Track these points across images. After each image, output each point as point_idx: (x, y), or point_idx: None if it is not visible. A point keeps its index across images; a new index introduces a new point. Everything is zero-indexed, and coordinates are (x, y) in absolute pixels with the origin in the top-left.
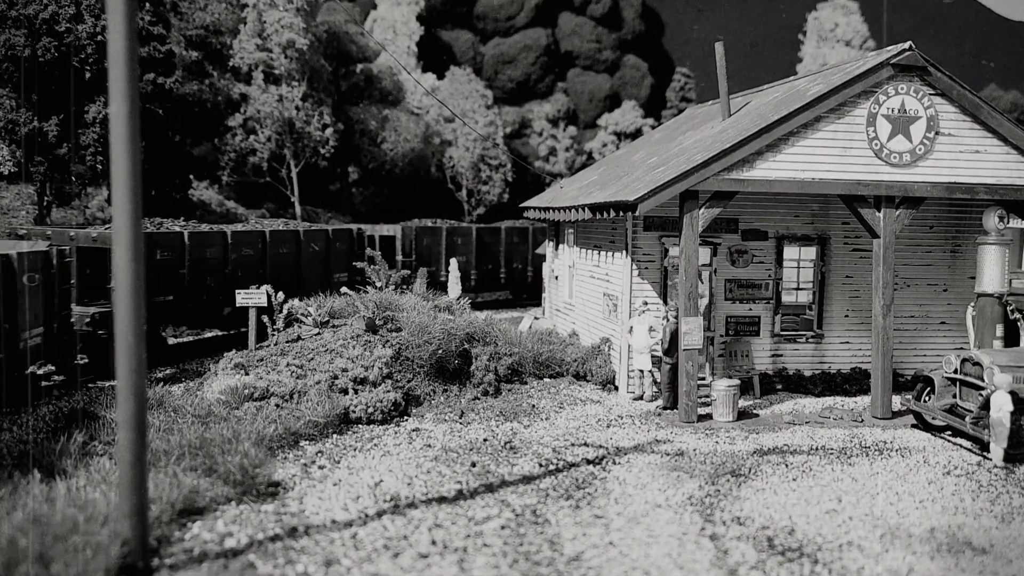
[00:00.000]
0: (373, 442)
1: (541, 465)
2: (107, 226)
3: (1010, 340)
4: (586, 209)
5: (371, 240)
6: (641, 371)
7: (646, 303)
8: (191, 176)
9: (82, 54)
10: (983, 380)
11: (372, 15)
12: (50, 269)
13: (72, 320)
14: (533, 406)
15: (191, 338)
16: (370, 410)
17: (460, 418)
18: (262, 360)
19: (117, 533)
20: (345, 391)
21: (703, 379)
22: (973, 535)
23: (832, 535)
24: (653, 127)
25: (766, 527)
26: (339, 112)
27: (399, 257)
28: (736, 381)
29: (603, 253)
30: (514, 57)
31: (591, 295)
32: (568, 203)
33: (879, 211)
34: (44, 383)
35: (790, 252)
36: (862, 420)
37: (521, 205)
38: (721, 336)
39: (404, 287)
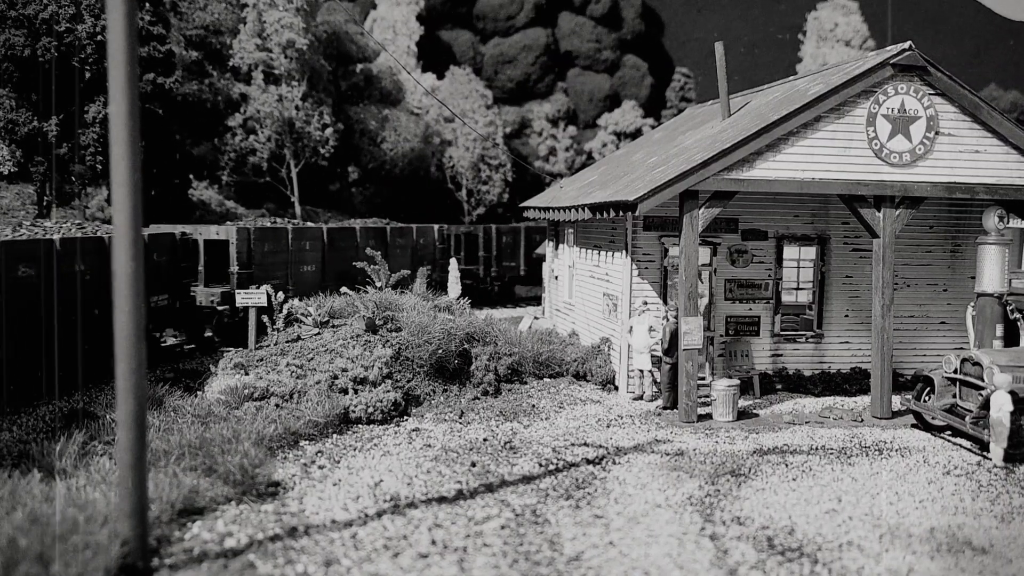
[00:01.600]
0: (373, 442)
1: (541, 465)
2: None
3: (1010, 340)
4: (586, 209)
5: (196, 246)
6: (641, 371)
7: (646, 303)
8: (191, 176)
9: (82, 54)
10: (983, 380)
11: (372, 15)
12: None
13: None
14: (533, 406)
15: None
16: (370, 410)
17: (460, 418)
18: (262, 360)
19: (117, 533)
20: (345, 391)
21: (703, 379)
22: (973, 535)
23: (832, 535)
24: (653, 127)
25: (766, 527)
26: (339, 112)
27: (233, 268)
28: (736, 381)
29: (603, 253)
30: (514, 57)
31: (591, 295)
32: (568, 203)
33: (879, 211)
34: None
35: (790, 252)
36: (862, 420)
37: (521, 205)
38: (721, 336)
39: (403, 288)
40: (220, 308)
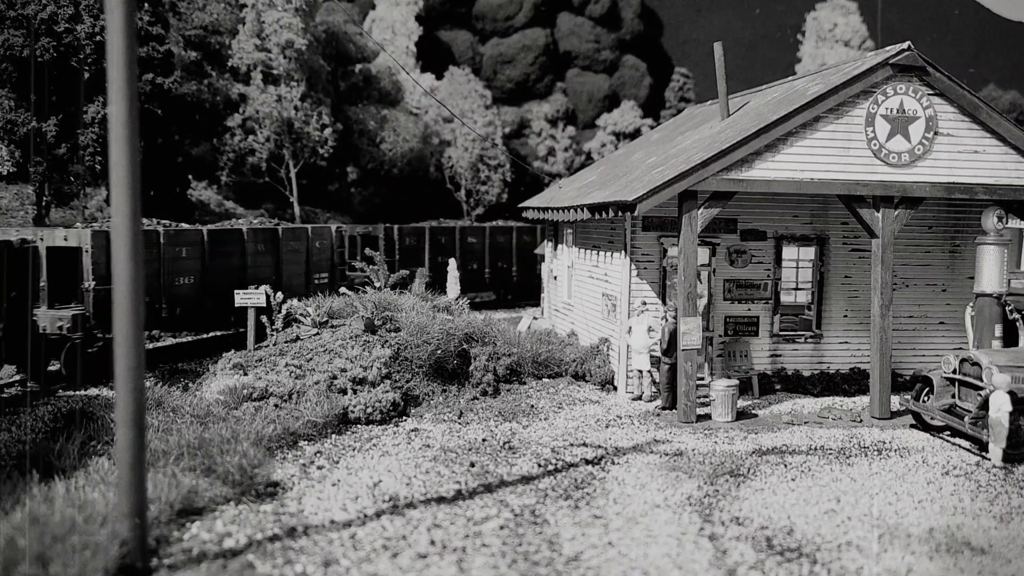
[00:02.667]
0: (372, 442)
1: (540, 465)
2: None
3: (1009, 340)
4: (585, 209)
5: (37, 256)
6: (640, 371)
7: (645, 303)
8: (190, 176)
9: (81, 54)
10: (982, 380)
11: (371, 15)
12: None
13: None
14: (532, 406)
15: None
16: (369, 410)
17: (459, 418)
18: (261, 360)
19: (116, 533)
20: (344, 391)
21: (702, 379)
22: (972, 535)
23: (831, 535)
24: (652, 127)
25: (765, 527)
26: (338, 112)
27: (88, 283)
28: (735, 381)
29: (602, 253)
30: (513, 57)
31: (590, 295)
32: (567, 203)
33: (878, 211)
34: None
35: (789, 252)
36: (861, 420)
37: (520, 205)
38: (720, 336)
39: (401, 289)
40: (73, 336)
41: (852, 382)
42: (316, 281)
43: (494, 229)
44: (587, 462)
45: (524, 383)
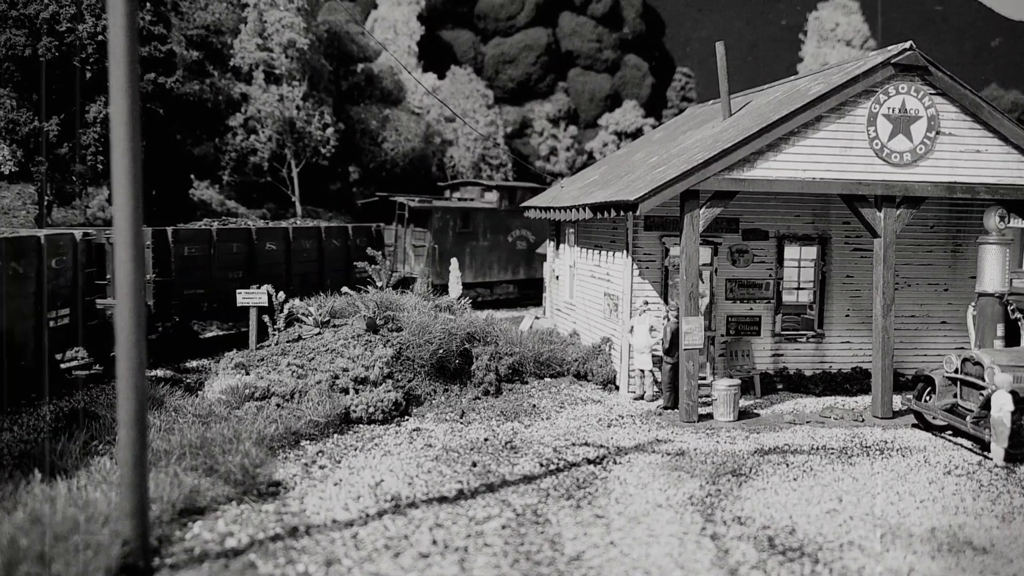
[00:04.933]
0: (374, 442)
1: (542, 465)
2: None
3: (1011, 340)
4: (587, 209)
5: None
6: (642, 371)
7: (647, 303)
8: (192, 176)
9: (83, 54)
10: (984, 380)
11: (373, 15)
12: None
13: None
14: (534, 406)
15: None
16: (371, 410)
17: (461, 418)
18: (263, 360)
19: (118, 533)
20: (346, 391)
21: (704, 379)
22: (974, 535)
23: (833, 535)
24: (654, 127)
25: (767, 527)
26: (340, 112)
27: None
28: (737, 381)
29: (604, 253)
30: (515, 57)
31: (592, 295)
32: (569, 203)
33: (880, 211)
34: None
35: (791, 252)
36: (863, 420)
37: (522, 205)
38: (722, 336)
39: (404, 288)
40: None
41: (854, 381)
42: (52, 324)
43: (329, 230)
44: (589, 461)
45: (526, 383)
